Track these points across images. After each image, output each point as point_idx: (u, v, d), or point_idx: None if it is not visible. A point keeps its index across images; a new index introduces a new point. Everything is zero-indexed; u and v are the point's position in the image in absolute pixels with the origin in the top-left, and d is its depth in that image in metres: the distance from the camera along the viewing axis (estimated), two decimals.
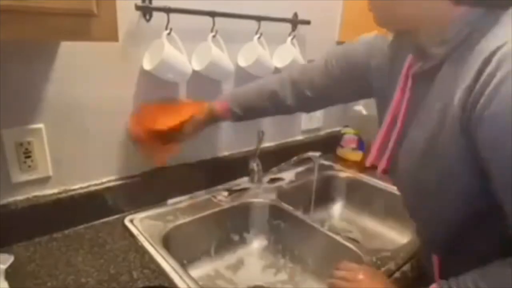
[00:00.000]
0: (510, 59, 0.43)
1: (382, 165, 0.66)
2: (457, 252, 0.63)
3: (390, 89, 0.64)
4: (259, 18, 1.01)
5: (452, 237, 0.61)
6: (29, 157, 0.78)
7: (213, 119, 0.90)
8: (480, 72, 0.45)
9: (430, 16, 0.52)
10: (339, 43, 1.32)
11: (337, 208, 1.28)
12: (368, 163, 0.69)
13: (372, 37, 0.75)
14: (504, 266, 0.50)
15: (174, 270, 0.73)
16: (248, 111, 0.88)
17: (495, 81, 0.43)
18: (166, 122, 0.84)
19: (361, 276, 0.68)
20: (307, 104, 0.88)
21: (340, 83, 0.80)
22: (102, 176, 0.90)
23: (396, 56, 0.65)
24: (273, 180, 1.17)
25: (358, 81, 0.76)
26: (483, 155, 0.47)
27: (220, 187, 1.09)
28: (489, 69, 0.44)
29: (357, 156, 1.34)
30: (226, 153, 1.13)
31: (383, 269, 0.78)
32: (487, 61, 0.45)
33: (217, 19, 0.92)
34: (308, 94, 0.83)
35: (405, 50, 0.62)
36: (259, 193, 1.08)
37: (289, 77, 0.85)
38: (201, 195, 1.05)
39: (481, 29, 0.48)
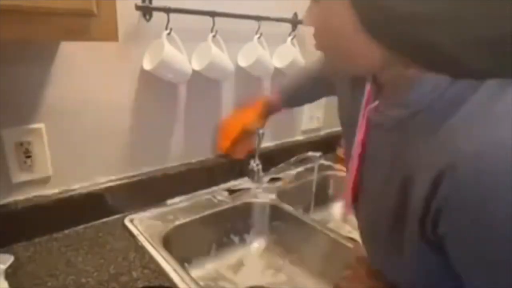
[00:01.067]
0: (462, 189, 0.35)
1: (347, 202, 0.60)
2: None
3: (353, 117, 0.54)
4: (259, 18, 1.01)
5: None
6: (29, 157, 0.78)
7: (270, 112, 0.94)
8: (435, 185, 0.37)
9: (381, 71, 0.43)
10: None
11: (337, 208, 1.28)
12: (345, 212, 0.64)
13: None
14: None
15: (174, 270, 0.73)
16: (295, 100, 0.95)
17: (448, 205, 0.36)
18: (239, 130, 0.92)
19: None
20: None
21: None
22: (102, 176, 0.90)
23: (356, 81, 0.55)
24: (273, 180, 1.17)
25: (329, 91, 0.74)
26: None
27: (220, 187, 1.10)
28: (442, 189, 0.36)
29: None
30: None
31: None
32: (440, 176, 0.36)
33: (217, 19, 0.92)
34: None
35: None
36: (259, 193, 1.08)
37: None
38: (201, 195, 1.05)
39: (451, 96, 0.38)
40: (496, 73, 0.36)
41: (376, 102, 0.47)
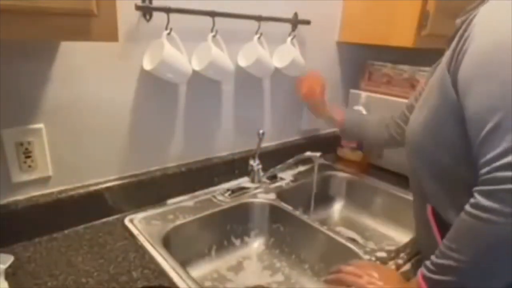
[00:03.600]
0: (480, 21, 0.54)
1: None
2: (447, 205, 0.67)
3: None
4: (259, 18, 1.01)
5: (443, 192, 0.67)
6: (29, 157, 0.78)
7: (328, 119, 1.14)
8: (461, 35, 0.57)
9: None
10: (339, 43, 1.32)
11: (337, 208, 1.28)
12: None
13: None
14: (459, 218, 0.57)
15: (174, 270, 0.73)
16: (353, 134, 1.13)
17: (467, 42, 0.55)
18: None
19: (372, 272, 0.67)
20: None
21: None
22: (102, 176, 0.90)
23: None
24: (273, 180, 1.17)
25: None
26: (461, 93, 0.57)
27: (220, 187, 1.10)
28: (466, 33, 0.56)
29: (357, 156, 1.34)
30: (226, 153, 1.13)
31: None
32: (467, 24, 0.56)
33: (217, 19, 0.92)
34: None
35: None
36: (259, 193, 1.08)
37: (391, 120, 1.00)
38: (201, 195, 1.05)
39: None
40: None
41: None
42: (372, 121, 1.06)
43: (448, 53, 0.61)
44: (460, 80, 0.57)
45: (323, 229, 0.93)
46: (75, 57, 0.79)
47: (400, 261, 0.80)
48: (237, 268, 0.97)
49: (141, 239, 0.83)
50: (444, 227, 0.64)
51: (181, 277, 0.71)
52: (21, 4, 0.49)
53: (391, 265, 0.79)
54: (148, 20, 0.85)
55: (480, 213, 0.52)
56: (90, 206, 0.87)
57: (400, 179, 1.22)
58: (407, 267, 0.79)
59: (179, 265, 0.75)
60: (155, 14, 0.85)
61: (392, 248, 0.86)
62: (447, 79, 0.59)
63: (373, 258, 0.81)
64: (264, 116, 1.20)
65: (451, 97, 0.59)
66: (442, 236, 0.63)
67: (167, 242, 0.83)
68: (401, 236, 1.10)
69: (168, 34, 0.85)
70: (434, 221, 0.70)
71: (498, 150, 0.50)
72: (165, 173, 0.99)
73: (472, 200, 0.54)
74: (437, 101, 0.63)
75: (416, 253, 0.83)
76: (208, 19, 0.91)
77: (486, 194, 0.52)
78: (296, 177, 1.21)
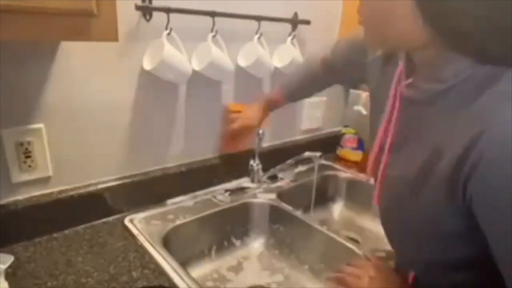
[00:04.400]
0: (498, 145, 0.38)
1: (376, 192, 0.63)
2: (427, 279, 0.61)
3: (382, 92, 0.58)
4: (259, 18, 1.01)
5: (424, 270, 0.59)
6: (29, 157, 0.78)
7: (271, 109, 1.01)
8: (470, 146, 0.41)
9: (424, 48, 0.46)
10: None
11: (337, 208, 1.28)
12: (368, 173, 0.68)
13: None
14: None
15: (174, 270, 0.73)
16: (297, 94, 1.01)
17: (481, 165, 0.40)
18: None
19: (373, 273, 0.65)
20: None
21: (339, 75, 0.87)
22: (102, 176, 0.90)
23: (389, 58, 0.59)
24: (273, 180, 1.17)
25: (355, 75, 0.76)
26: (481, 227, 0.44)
27: (220, 187, 1.09)
28: (477, 149, 0.40)
29: (357, 156, 1.34)
30: (226, 153, 1.13)
31: None
32: (472, 145, 0.40)
33: (217, 19, 0.92)
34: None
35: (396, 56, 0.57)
36: (259, 193, 1.08)
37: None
38: (201, 195, 1.05)
39: (489, 74, 0.42)
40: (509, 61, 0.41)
41: (410, 80, 0.51)
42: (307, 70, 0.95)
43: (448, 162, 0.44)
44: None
45: (323, 229, 0.93)
46: (75, 57, 0.79)
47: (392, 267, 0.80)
48: (237, 268, 0.97)
49: (141, 239, 0.82)
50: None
51: (181, 277, 0.71)
52: (21, 4, 0.49)
53: (392, 264, 0.79)
54: (148, 20, 0.85)
55: None
56: (90, 206, 0.87)
57: None
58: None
59: (179, 265, 0.75)
60: (155, 14, 0.85)
61: (388, 254, 0.86)
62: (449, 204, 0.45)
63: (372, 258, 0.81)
64: None
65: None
66: None
67: (167, 242, 0.83)
68: None
69: (168, 34, 0.85)
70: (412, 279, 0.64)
71: None
72: (165, 173, 0.99)
73: None
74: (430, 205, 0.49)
75: None
76: (208, 19, 0.91)
77: None
78: (296, 177, 1.21)
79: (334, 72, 0.87)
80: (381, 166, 0.59)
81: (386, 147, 0.57)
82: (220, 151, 1.10)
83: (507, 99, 0.40)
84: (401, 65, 0.54)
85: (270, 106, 0.99)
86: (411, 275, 0.64)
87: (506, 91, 0.41)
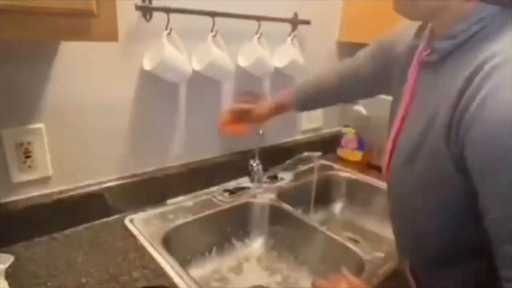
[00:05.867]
0: (499, 72, 0.41)
1: (385, 162, 0.64)
2: (431, 276, 0.62)
3: (401, 80, 0.62)
4: (259, 18, 1.01)
5: (430, 261, 0.60)
6: (29, 157, 0.78)
7: (278, 111, 0.96)
8: (467, 83, 0.44)
9: (443, 8, 0.51)
10: (339, 43, 1.32)
11: (337, 208, 1.28)
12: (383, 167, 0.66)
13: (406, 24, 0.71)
14: None
15: (174, 270, 0.73)
16: (309, 102, 0.94)
17: (478, 98, 0.42)
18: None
19: (344, 285, 0.64)
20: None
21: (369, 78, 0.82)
22: (102, 176, 0.90)
23: (415, 46, 0.63)
24: (273, 180, 1.17)
25: (382, 75, 0.75)
26: (472, 178, 0.45)
27: (220, 187, 1.09)
28: (475, 82, 0.43)
29: (357, 156, 1.34)
30: (226, 153, 1.13)
31: (383, 269, 0.78)
32: (476, 71, 0.43)
33: (217, 19, 0.92)
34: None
35: (422, 40, 0.61)
36: (259, 193, 1.08)
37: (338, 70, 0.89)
38: (201, 195, 1.05)
39: (491, 29, 0.47)
40: None
41: (429, 50, 0.55)
42: (328, 74, 0.90)
43: (445, 103, 0.48)
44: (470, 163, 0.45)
45: (323, 229, 0.93)
46: (75, 57, 0.79)
47: (392, 267, 0.79)
48: (237, 268, 0.97)
49: (141, 239, 0.82)
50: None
51: (181, 277, 0.71)
52: (21, 4, 0.49)
53: (390, 266, 0.79)
54: (148, 20, 0.85)
55: None
56: (90, 206, 0.87)
57: None
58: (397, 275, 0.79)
59: (179, 265, 0.75)
60: (155, 14, 0.85)
61: (391, 248, 0.86)
62: (443, 147, 0.48)
63: (372, 258, 0.81)
64: None
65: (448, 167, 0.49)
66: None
67: (167, 242, 0.83)
68: None
69: (168, 34, 0.85)
70: (413, 279, 0.66)
71: None
72: (165, 173, 0.99)
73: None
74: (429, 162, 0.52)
75: None
76: (208, 19, 0.91)
77: None
78: (296, 177, 1.21)
79: (354, 75, 0.83)
80: (391, 136, 0.62)
81: (399, 117, 0.60)
82: (219, 132, 1.06)
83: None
84: (422, 45, 0.59)
85: (278, 109, 0.95)
86: (407, 265, 0.66)
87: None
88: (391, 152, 0.62)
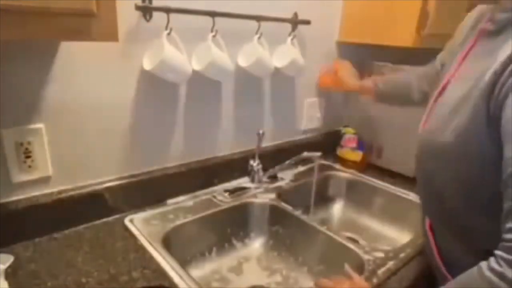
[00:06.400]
0: None
1: (422, 122, 0.71)
2: (448, 226, 0.67)
3: (457, 52, 0.69)
4: (259, 18, 1.01)
5: (448, 212, 0.65)
6: (29, 157, 0.78)
7: (361, 91, 1.11)
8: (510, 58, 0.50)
9: None
10: (339, 43, 1.32)
11: (337, 208, 1.28)
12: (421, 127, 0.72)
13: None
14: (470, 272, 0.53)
15: (174, 270, 0.73)
16: (387, 94, 1.05)
17: None
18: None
19: (347, 286, 0.67)
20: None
21: None
22: (102, 176, 0.90)
23: (478, 21, 0.69)
24: (273, 180, 1.17)
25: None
26: (502, 139, 0.51)
27: (220, 187, 1.09)
28: None
29: (357, 156, 1.34)
30: (226, 153, 1.13)
31: (383, 269, 0.78)
32: None
33: (217, 19, 0.92)
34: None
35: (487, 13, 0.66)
36: (259, 193, 1.08)
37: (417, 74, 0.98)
38: (201, 195, 1.05)
39: None
40: None
41: (489, 21, 0.61)
42: (409, 76, 1.01)
43: (488, 76, 0.54)
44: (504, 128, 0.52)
45: (323, 229, 0.93)
46: (75, 57, 0.79)
47: (392, 267, 0.80)
48: (237, 268, 0.97)
49: (141, 239, 0.82)
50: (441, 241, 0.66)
51: (181, 277, 0.71)
52: (21, 4, 0.49)
53: (390, 266, 0.80)
54: (148, 20, 0.85)
55: (501, 283, 0.47)
56: (90, 206, 0.87)
57: (400, 179, 1.22)
58: (397, 275, 0.79)
59: (179, 265, 0.75)
60: (155, 14, 0.85)
61: (391, 248, 0.86)
62: (483, 114, 0.55)
63: (372, 258, 0.81)
64: (264, 116, 1.20)
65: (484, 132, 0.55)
66: (439, 252, 0.67)
67: (167, 242, 0.83)
68: (401, 237, 1.10)
69: (168, 34, 0.85)
70: (433, 236, 0.71)
71: None
72: (165, 173, 0.99)
73: (492, 264, 0.50)
74: (468, 123, 0.58)
75: (415, 254, 0.83)
76: (208, 19, 0.91)
77: None
78: (296, 177, 1.21)
79: (431, 75, 0.91)
80: (434, 96, 0.69)
81: (445, 80, 0.67)
82: (319, 85, 1.27)
83: None
84: (487, 16, 0.64)
85: (362, 89, 1.08)
86: (427, 223, 0.72)
87: None
88: (431, 109, 0.69)
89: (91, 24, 0.56)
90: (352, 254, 0.84)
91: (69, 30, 0.55)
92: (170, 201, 1.00)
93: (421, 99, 0.94)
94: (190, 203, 1.00)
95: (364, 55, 1.34)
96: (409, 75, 1.01)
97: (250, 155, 1.13)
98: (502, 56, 0.52)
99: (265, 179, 1.15)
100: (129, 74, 0.88)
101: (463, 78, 0.62)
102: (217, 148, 1.11)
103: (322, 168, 1.27)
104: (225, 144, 1.13)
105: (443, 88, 0.67)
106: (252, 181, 1.13)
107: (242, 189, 1.09)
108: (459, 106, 0.59)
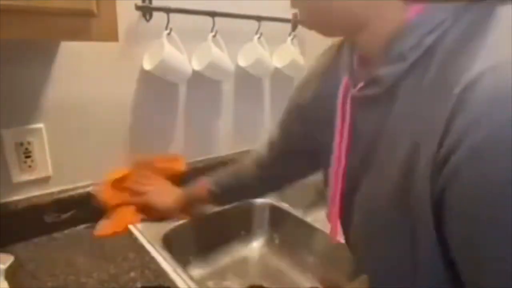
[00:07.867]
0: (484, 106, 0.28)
1: (333, 209, 0.52)
2: None
3: (330, 114, 0.48)
4: (259, 18, 1.01)
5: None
6: (29, 157, 0.78)
7: (193, 202, 0.86)
8: (447, 127, 0.30)
9: (377, 16, 0.37)
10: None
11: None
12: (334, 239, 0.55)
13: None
14: None
15: (174, 270, 0.73)
16: (226, 191, 0.80)
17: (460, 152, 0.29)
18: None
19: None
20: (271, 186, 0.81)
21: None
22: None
23: (327, 79, 0.52)
24: None
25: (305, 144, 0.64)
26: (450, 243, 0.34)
27: None
28: (456, 127, 0.30)
29: None
30: (226, 153, 1.13)
31: None
32: (455, 110, 0.30)
33: (217, 19, 0.92)
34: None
35: (333, 72, 0.50)
36: None
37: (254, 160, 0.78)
38: None
39: (463, 32, 0.33)
40: None
41: (361, 83, 0.42)
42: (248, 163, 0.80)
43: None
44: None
45: (323, 229, 0.93)
46: (75, 57, 0.79)
47: None
48: (237, 268, 0.97)
49: (141, 239, 0.82)
50: None
51: (181, 277, 0.71)
52: (21, 4, 0.49)
53: None
54: (148, 20, 0.85)
55: None
56: (90, 206, 0.87)
57: None
58: None
59: (179, 265, 0.75)
60: (155, 14, 0.85)
61: None
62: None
63: None
64: (264, 116, 1.20)
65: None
66: None
67: (167, 242, 0.83)
68: None
69: (168, 34, 0.85)
70: None
71: None
72: None
73: None
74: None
75: None
76: (208, 19, 0.91)
77: None
78: None
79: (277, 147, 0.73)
80: (339, 183, 0.49)
81: (342, 154, 0.47)
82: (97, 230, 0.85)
83: (475, 52, 0.30)
84: (345, 78, 0.46)
85: (190, 199, 0.85)
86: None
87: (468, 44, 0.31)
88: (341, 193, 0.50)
89: (91, 24, 0.56)
90: None
91: (69, 30, 0.55)
92: None
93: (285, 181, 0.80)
94: None
95: None
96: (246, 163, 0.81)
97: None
98: (431, 123, 0.32)
99: None
100: (129, 74, 0.88)
101: (383, 162, 0.41)
102: (217, 148, 1.11)
103: None
104: (225, 144, 1.12)
105: (344, 172, 0.47)
106: None
107: None
108: (405, 198, 0.37)
